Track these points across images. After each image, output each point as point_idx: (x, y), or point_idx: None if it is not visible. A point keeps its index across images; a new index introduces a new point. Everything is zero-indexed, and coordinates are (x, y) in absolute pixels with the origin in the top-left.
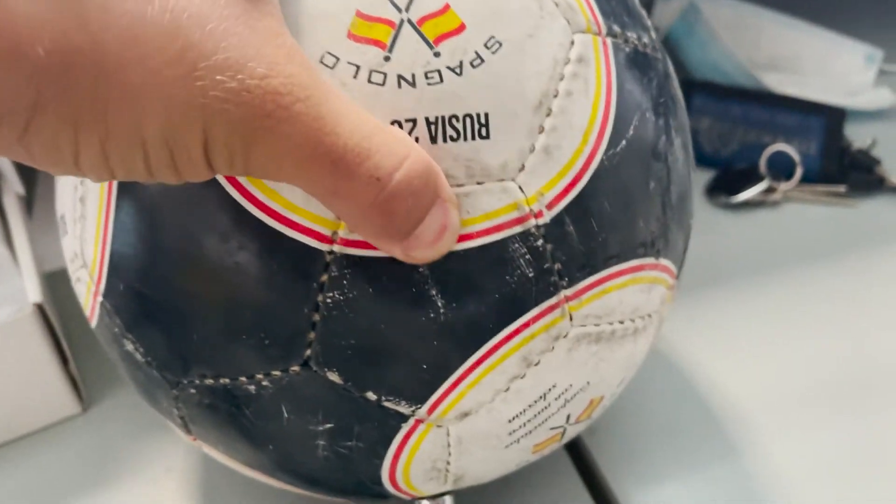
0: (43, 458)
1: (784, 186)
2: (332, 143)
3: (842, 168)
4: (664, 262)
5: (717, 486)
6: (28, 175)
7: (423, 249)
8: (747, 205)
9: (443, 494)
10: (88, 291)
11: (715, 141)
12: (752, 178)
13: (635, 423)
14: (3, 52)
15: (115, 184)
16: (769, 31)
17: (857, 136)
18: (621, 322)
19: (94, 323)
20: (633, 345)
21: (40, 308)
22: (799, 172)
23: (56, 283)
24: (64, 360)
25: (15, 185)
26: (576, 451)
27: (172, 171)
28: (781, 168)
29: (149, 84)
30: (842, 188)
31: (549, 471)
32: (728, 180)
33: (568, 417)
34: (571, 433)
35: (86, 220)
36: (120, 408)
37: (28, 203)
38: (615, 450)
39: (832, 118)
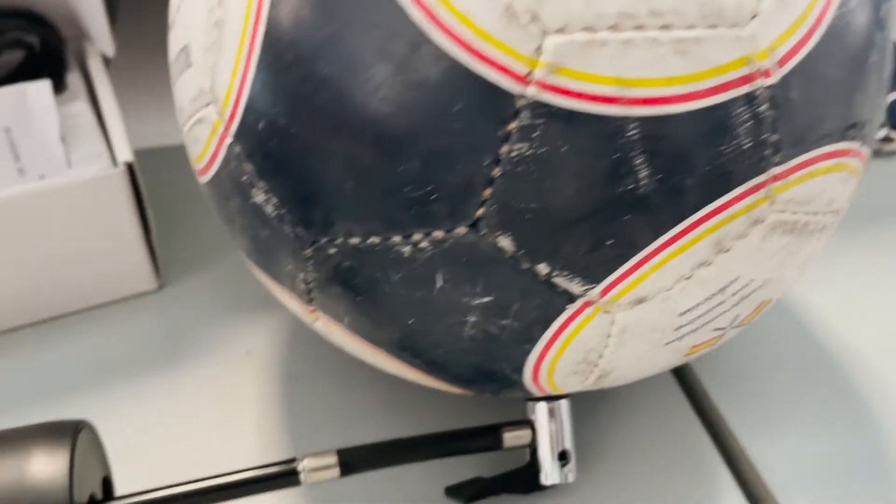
0: (117, 330)
1: None
2: None
3: None
4: (865, 150)
5: (837, 433)
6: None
7: None
8: None
9: (563, 397)
10: (213, 133)
11: None
12: None
13: (747, 358)
14: None
15: (265, 1)
16: None
17: None
18: (815, 214)
19: (210, 173)
20: (816, 242)
21: (130, 168)
22: None
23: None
24: (146, 230)
25: (104, 45)
26: (683, 377)
27: None
28: None
29: None
30: None
31: (655, 392)
32: None
33: (734, 319)
34: (727, 337)
35: (222, 47)
36: (197, 290)
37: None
38: (727, 381)
39: None
